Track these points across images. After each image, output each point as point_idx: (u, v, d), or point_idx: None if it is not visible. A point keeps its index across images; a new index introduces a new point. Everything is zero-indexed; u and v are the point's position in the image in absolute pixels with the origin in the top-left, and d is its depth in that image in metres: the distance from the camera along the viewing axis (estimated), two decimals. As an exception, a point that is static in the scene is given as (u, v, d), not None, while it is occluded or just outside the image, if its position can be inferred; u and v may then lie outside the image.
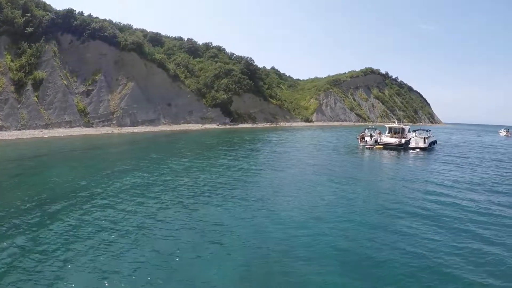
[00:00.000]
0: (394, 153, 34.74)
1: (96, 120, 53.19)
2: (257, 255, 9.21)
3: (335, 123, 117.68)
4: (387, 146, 38.02)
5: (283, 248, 9.55)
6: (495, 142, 61.67)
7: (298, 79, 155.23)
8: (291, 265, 8.59)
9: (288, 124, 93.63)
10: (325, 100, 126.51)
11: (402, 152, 35.47)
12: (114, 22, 72.40)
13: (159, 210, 12.55)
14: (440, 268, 8.68)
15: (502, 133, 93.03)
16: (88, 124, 51.28)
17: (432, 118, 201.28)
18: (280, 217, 12.21)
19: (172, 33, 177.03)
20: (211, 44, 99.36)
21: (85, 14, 65.03)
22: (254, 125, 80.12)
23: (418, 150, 37.03)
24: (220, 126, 71.12)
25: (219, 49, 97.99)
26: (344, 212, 13.05)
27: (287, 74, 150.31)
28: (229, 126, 72.95)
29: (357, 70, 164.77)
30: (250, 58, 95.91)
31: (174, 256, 8.91)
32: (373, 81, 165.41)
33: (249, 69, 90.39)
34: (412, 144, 38.42)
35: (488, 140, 66.21)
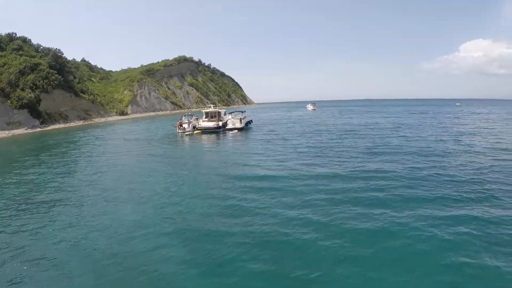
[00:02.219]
0: (213, 136, 34.95)
1: None
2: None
3: (151, 114, 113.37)
4: (206, 131, 38.05)
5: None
6: (304, 115, 72.56)
7: (110, 71, 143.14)
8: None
9: (103, 119, 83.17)
10: (139, 91, 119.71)
11: (221, 134, 36.00)
12: None
13: None
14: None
15: (310, 107, 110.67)
16: None
17: (244, 99, 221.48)
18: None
19: None
20: (15, 34, 79.29)
21: None
22: (67, 125, 67.33)
23: (236, 130, 38.32)
24: (30, 131, 55.67)
25: (24, 41, 79.71)
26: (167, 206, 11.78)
27: (99, 66, 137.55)
28: (39, 129, 58.14)
29: (170, 59, 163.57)
30: (59, 49, 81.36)
31: None
32: (186, 69, 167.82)
33: (57, 62, 76.50)
34: (230, 126, 39.60)
35: (298, 115, 76.92)
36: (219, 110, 42.73)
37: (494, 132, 32.09)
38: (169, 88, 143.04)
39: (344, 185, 13.52)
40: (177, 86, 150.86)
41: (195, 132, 37.86)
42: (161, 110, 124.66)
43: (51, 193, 14.27)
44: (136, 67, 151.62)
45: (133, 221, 10.41)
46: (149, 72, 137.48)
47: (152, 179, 16.24)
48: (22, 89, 62.01)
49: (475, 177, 14.50)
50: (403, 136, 29.76)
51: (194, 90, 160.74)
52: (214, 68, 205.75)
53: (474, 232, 8.77)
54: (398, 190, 12.73)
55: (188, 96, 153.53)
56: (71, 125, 67.82)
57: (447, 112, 76.68)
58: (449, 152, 21.11)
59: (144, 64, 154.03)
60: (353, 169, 16.55)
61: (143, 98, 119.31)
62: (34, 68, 68.73)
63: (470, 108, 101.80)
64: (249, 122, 45.39)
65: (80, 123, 72.69)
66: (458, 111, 78.66)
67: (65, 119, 70.90)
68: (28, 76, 66.05)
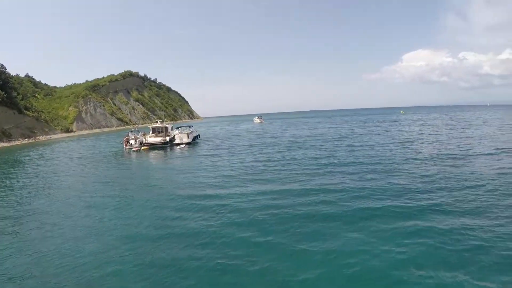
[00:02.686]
0: (161, 152, 35.09)
1: None
2: None
3: (97, 130, 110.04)
4: (153, 146, 38.25)
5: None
6: (251, 129, 74.06)
7: (55, 87, 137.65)
8: None
9: (48, 137, 79.31)
10: (84, 107, 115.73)
11: (168, 150, 36.25)
12: None
13: None
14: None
15: (256, 120, 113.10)
16: None
17: (191, 114, 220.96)
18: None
19: None
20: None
21: None
22: (11, 143, 63.38)
23: (184, 145, 38.78)
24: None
25: (-36, 55, 74.66)
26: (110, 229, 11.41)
27: (43, 82, 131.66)
28: (-18, 149, 53.96)
29: (116, 74, 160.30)
30: (1, 64, 77.34)
31: None
32: (132, 84, 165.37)
33: (0, 77, 73.27)
34: (177, 141, 40.06)
35: (244, 128, 78.55)
36: (166, 125, 43.24)
37: (439, 138, 34.35)
38: (114, 104, 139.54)
39: (293, 200, 13.35)
40: (123, 101, 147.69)
41: (142, 148, 37.73)
42: (107, 126, 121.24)
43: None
44: (81, 82, 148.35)
45: (67, 248, 9.68)
46: (94, 87, 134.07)
47: (95, 201, 15.19)
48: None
49: (426, 185, 14.84)
50: (350, 146, 30.74)
51: (140, 106, 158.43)
52: (160, 83, 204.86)
53: (430, 243, 8.74)
54: (348, 203, 12.70)
55: (134, 112, 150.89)
56: (15, 143, 64.23)
57: (393, 120, 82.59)
58: (398, 160, 21.71)
59: (89, 79, 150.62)
60: (301, 183, 16.51)
61: (88, 114, 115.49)
62: (-25, 84, 64.95)
63: (414, 115, 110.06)
64: (197, 136, 45.98)
65: (24, 141, 69.00)
66: (403, 119, 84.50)
67: (9, 137, 66.88)
68: (-30, 93, 62.17)
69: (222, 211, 12.47)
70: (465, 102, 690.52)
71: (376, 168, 19.24)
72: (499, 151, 23.65)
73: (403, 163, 20.61)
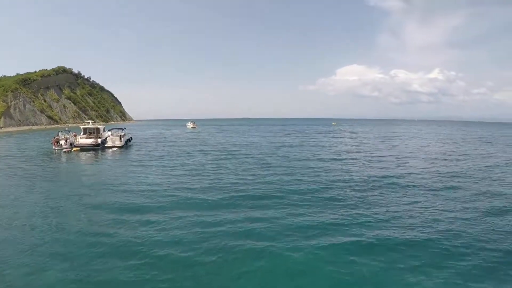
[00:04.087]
0: (91, 154, 34.47)
1: None
2: None
3: (25, 128, 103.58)
4: (84, 148, 37.63)
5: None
6: (183, 134, 74.30)
7: None
8: None
9: (-29, 134, 73.20)
10: (13, 102, 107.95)
11: (99, 152, 35.87)
12: None
13: None
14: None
15: (189, 125, 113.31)
16: None
17: (124, 116, 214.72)
18: None
19: None
20: None
21: None
22: None
23: (116, 148, 38.69)
24: None
25: None
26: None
27: None
28: None
29: (48, 68, 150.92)
30: None
31: None
32: (65, 81, 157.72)
33: None
34: (109, 143, 39.84)
35: (177, 133, 78.85)
36: (98, 127, 42.56)
37: (369, 149, 38.97)
38: (45, 101, 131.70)
39: (220, 214, 13.15)
40: (54, 98, 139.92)
41: (73, 149, 37.18)
42: (36, 124, 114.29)
43: None
44: (12, 75, 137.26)
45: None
46: (25, 81, 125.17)
47: (14, 208, 14.20)
48: None
49: (360, 194, 16.38)
50: (283, 157, 31.77)
51: (72, 104, 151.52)
52: (93, 81, 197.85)
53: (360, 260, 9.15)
54: (279, 216, 12.79)
55: (65, 110, 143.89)
56: None
57: (325, 131, 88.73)
58: (330, 170, 23.17)
59: (20, 72, 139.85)
60: (230, 194, 16.35)
61: (17, 110, 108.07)
62: None
63: (346, 127, 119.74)
64: (129, 139, 45.87)
65: None
66: (336, 130, 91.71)
67: None
68: None
69: (147, 226, 11.92)
70: (394, 117, 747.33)
71: (307, 179, 20.34)
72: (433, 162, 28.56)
73: (337, 173, 22.48)
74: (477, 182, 20.30)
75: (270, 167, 25.53)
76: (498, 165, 27.52)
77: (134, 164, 28.17)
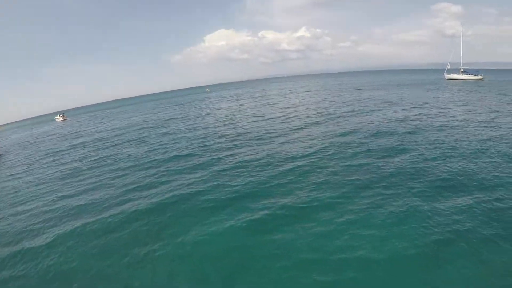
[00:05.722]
0: None
1: None
2: None
3: None
4: None
5: None
6: (53, 130, 64.11)
7: None
8: None
9: None
10: None
11: None
12: None
13: None
14: None
15: (59, 118, 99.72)
16: None
17: None
18: None
19: None
20: None
21: None
22: None
23: None
24: None
25: None
26: None
27: None
28: None
29: None
30: None
31: None
32: None
33: None
34: None
35: (43, 131, 67.02)
36: None
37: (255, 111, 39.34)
38: None
39: (91, 223, 12.11)
40: None
41: None
42: None
43: None
44: None
45: None
46: None
47: None
48: None
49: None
50: (166, 134, 30.05)
51: None
52: None
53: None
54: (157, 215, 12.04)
55: None
56: None
57: (201, 99, 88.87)
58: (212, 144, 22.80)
59: None
60: (101, 199, 14.73)
61: None
62: None
63: (220, 92, 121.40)
64: None
65: None
66: (211, 97, 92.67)
67: None
68: None
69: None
70: (267, 76, 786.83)
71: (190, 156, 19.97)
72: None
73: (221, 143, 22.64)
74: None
75: (166, 149, 23.62)
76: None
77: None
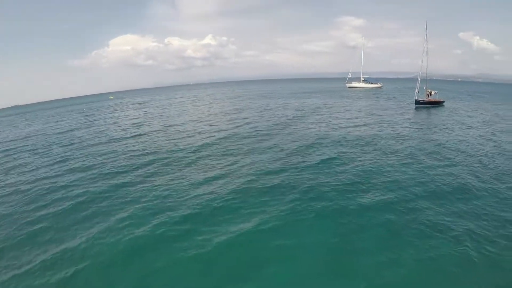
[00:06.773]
0: None
1: None
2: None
3: None
4: None
5: None
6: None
7: None
8: None
9: None
10: None
11: None
12: None
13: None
14: None
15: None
16: None
17: None
18: None
19: None
20: None
21: None
22: None
23: None
24: None
25: None
26: None
27: None
28: None
29: None
30: None
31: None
32: None
33: None
34: None
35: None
36: None
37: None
38: None
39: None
40: None
41: None
42: None
43: None
44: None
45: None
46: None
47: None
48: None
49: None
50: (62, 145, 26.49)
51: None
52: None
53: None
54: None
55: None
56: None
57: (103, 106, 76.42)
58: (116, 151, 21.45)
59: None
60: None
61: None
62: None
63: (125, 99, 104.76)
64: None
65: None
66: (116, 104, 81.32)
67: None
68: None
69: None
70: (172, 83, 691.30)
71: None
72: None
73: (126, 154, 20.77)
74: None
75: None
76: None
77: None
